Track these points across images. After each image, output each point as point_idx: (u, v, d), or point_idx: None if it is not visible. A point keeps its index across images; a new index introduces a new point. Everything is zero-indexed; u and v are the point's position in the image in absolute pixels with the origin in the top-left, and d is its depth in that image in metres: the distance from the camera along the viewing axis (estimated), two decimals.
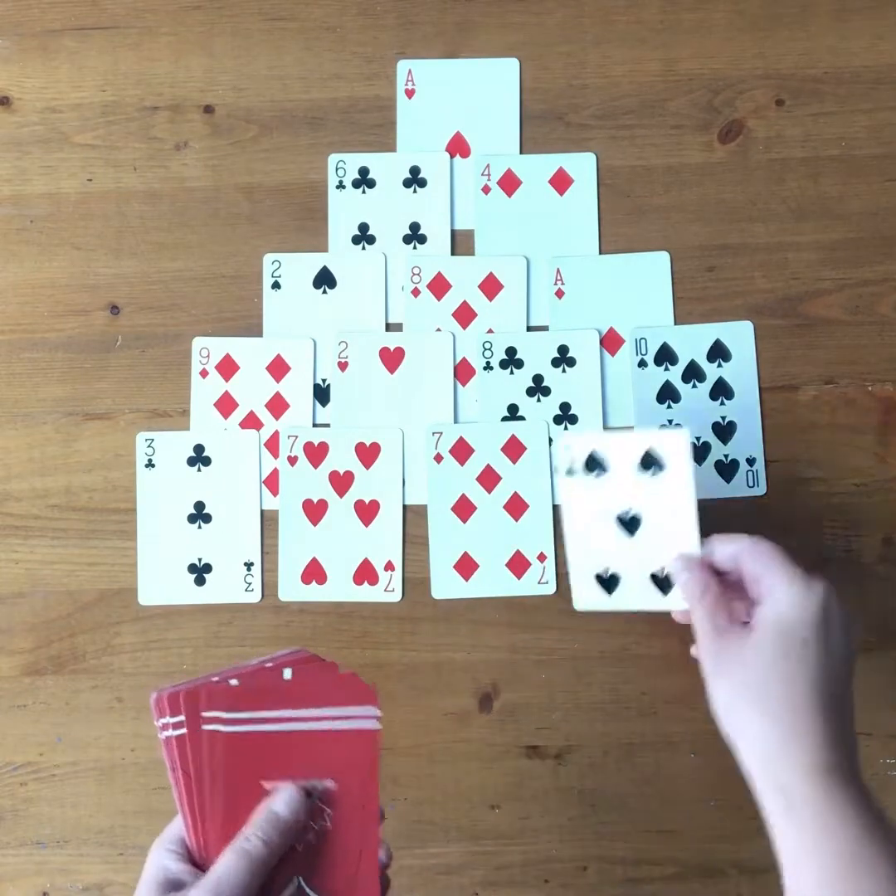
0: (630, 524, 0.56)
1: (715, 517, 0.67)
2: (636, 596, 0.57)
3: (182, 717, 0.46)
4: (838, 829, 0.44)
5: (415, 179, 0.70)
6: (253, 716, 0.46)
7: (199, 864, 0.46)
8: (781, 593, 0.48)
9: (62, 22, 0.71)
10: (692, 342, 0.68)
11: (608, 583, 0.58)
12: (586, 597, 0.57)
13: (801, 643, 0.47)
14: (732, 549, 0.52)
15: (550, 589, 0.66)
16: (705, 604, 0.51)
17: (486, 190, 0.69)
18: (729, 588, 0.52)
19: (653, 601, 0.55)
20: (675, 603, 0.55)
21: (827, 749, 0.46)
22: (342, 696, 0.47)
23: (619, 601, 0.57)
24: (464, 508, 0.67)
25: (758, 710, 0.47)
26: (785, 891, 0.45)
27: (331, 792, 0.46)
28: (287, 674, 0.47)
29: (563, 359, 0.68)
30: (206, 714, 0.46)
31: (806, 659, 0.47)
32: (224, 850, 0.44)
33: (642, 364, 0.68)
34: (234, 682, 0.46)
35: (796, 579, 0.49)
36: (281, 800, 0.45)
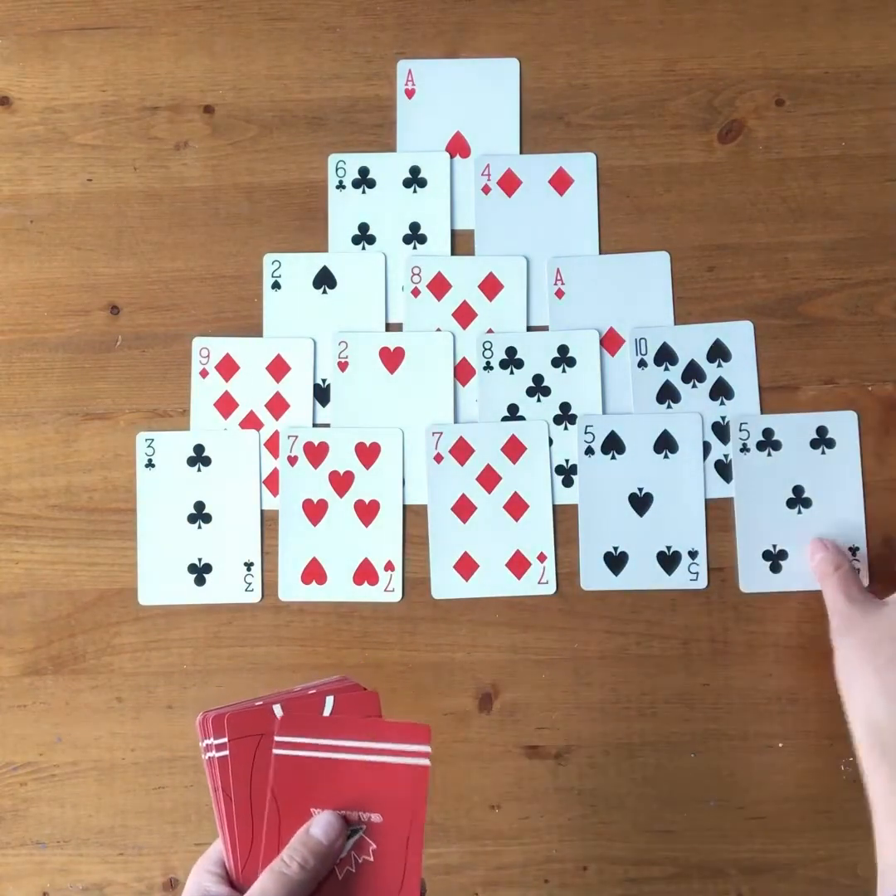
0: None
1: (714, 516, 0.67)
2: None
3: (225, 739, 0.46)
4: None
5: (415, 179, 0.70)
6: (299, 741, 0.46)
7: (238, 887, 0.46)
8: None
9: (62, 22, 0.71)
10: (692, 342, 0.68)
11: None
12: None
13: None
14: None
15: (550, 589, 0.66)
16: (840, 575, 0.58)
17: (486, 190, 0.69)
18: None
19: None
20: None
21: None
22: (395, 730, 0.47)
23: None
24: (464, 508, 0.67)
25: (868, 665, 0.50)
26: (877, 844, 0.46)
27: (377, 826, 0.46)
28: (329, 703, 0.47)
29: (563, 359, 0.68)
30: (251, 736, 0.46)
31: None
32: (262, 872, 0.44)
33: (642, 364, 0.68)
34: (278, 708, 0.47)
35: None
36: (319, 825, 0.45)
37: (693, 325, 0.68)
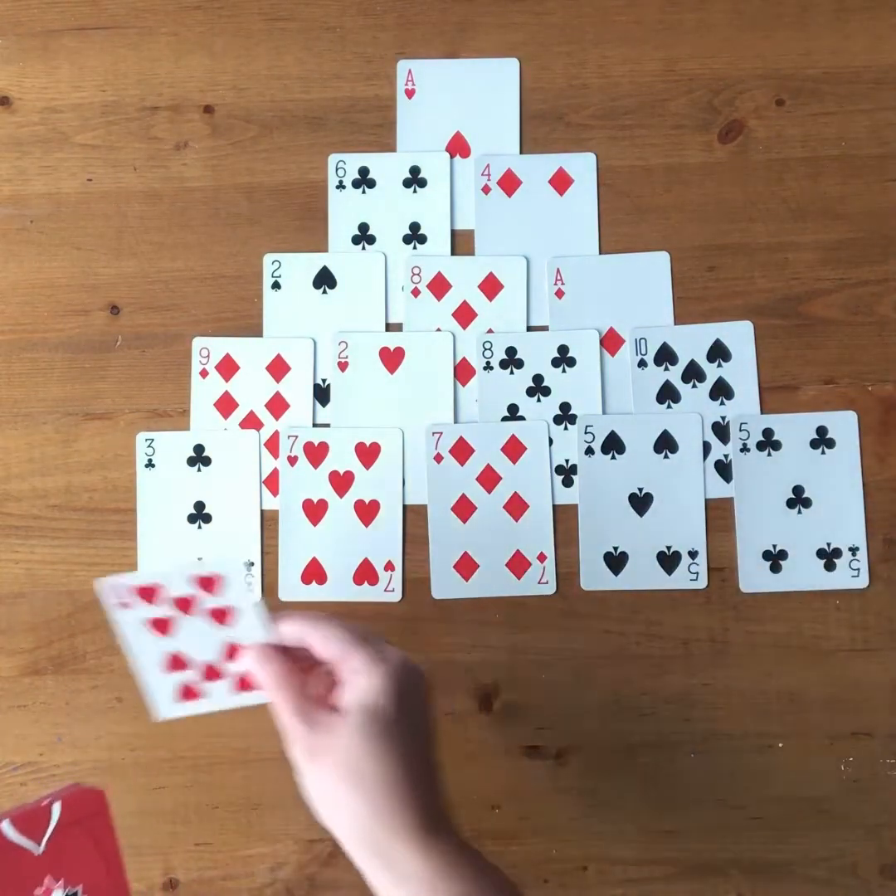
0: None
1: (714, 516, 0.67)
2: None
3: None
4: (439, 885, 0.46)
5: (415, 179, 0.70)
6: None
7: None
8: (362, 676, 0.48)
9: (62, 22, 0.71)
10: (692, 342, 0.68)
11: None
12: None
13: (387, 722, 0.48)
14: (296, 632, 0.50)
15: (550, 589, 0.66)
16: (287, 697, 0.49)
17: (486, 190, 0.69)
18: (311, 667, 0.51)
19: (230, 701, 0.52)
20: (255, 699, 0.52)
21: (424, 818, 0.48)
22: (71, 809, 0.48)
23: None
24: (464, 508, 0.67)
25: (354, 791, 0.47)
26: None
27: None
28: (57, 809, 0.49)
29: (563, 359, 0.68)
30: None
31: (392, 735, 0.48)
32: None
33: (642, 364, 0.68)
34: (6, 824, 0.48)
35: (373, 661, 0.48)
36: None
37: (693, 325, 0.68)
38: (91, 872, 0.48)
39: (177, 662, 0.50)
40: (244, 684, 0.51)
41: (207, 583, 0.49)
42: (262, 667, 0.50)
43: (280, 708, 0.49)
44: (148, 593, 0.48)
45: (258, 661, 0.50)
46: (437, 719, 0.51)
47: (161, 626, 0.49)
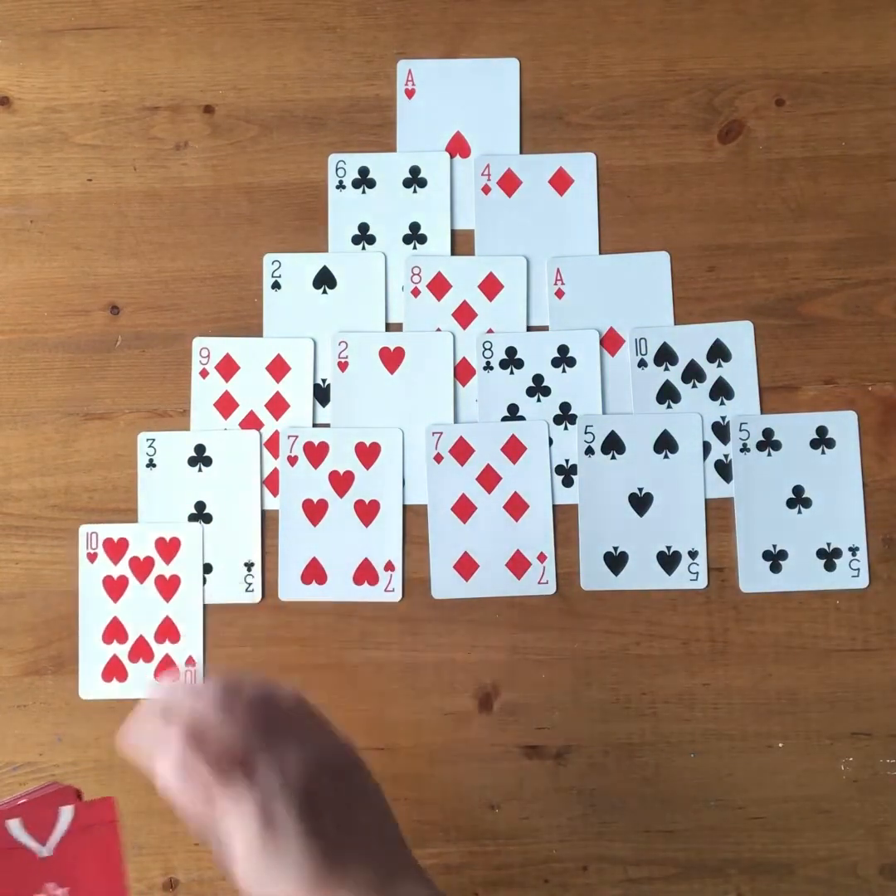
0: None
1: (713, 516, 0.67)
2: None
3: None
4: None
5: (415, 179, 0.70)
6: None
7: None
8: (230, 834, 0.43)
9: (62, 22, 0.71)
10: (692, 342, 0.68)
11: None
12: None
13: (266, 867, 0.42)
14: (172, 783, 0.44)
15: (550, 589, 0.66)
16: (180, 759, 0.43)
17: (486, 190, 0.69)
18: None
19: None
20: None
21: (376, 882, 0.43)
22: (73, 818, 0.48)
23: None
24: (464, 508, 0.67)
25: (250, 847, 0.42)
26: None
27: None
28: (66, 814, 0.48)
29: (563, 359, 0.68)
30: None
31: (281, 869, 0.42)
32: None
33: (642, 364, 0.68)
34: (14, 824, 0.47)
35: (228, 813, 0.43)
36: None
37: (693, 325, 0.68)
38: (94, 881, 0.48)
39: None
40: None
41: None
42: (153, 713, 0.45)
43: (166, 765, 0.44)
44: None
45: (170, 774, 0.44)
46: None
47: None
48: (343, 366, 0.68)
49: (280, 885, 0.42)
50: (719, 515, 0.67)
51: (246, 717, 0.45)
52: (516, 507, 0.67)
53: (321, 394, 0.68)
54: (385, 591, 0.67)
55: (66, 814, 0.48)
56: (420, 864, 0.46)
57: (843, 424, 0.67)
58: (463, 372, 0.68)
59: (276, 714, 0.46)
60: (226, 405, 0.68)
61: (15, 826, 0.47)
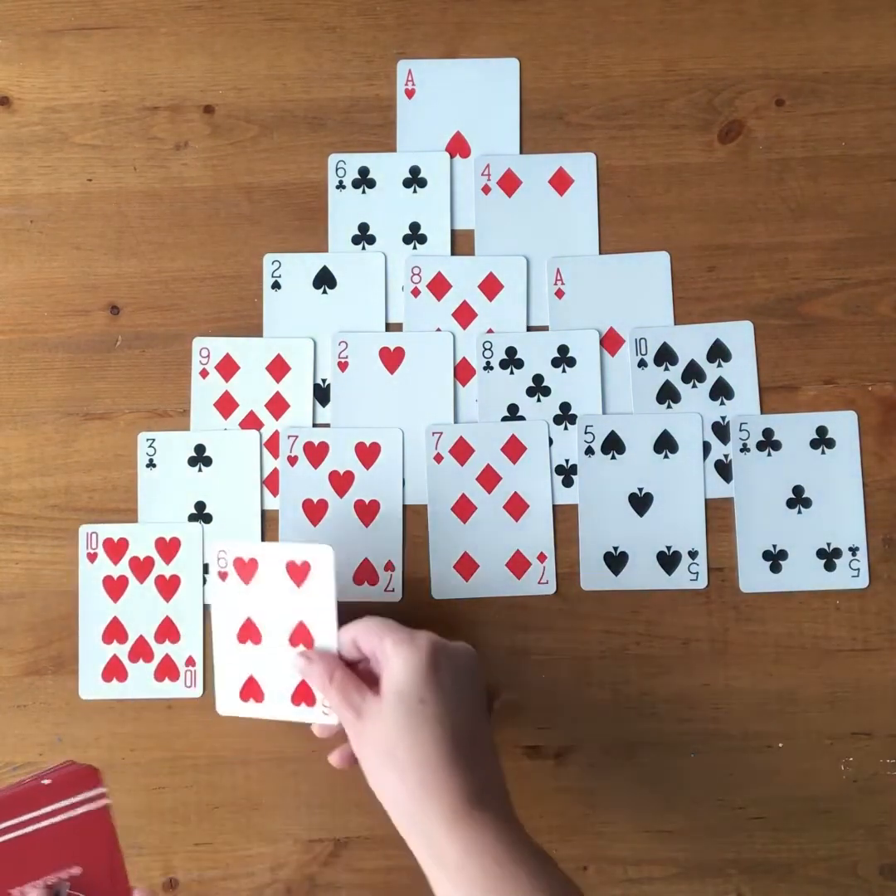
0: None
1: (713, 516, 0.67)
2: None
3: None
4: (467, 864, 0.47)
5: (415, 179, 0.70)
6: None
7: None
8: (392, 659, 0.51)
9: (62, 22, 0.71)
10: (692, 342, 0.68)
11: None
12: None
13: (418, 702, 0.50)
14: (349, 636, 0.54)
15: (550, 589, 0.66)
16: (336, 686, 0.52)
17: (486, 190, 0.69)
18: (366, 674, 0.54)
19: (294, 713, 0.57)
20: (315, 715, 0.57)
21: (459, 798, 0.49)
22: (60, 787, 0.48)
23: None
24: (464, 508, 0.67)
25: (392, 772, 0.49)
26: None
27: (78, 877, 0.48)
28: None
29: (563, 359, 0.68)
30: None
31: (425, 715, 0.49)
32: None
33: (642, 364, 0.68)
34: None
35: (402, 642, 0.51)
36: None
37: (693, 325, 0.68)
38: (92, 854, 0.48)
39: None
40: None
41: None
42: (311, 667, 0.54)
43: (332, 702, 0.52)
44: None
45: (306, 663, 0.54)
46: (488, 695, 0.53)
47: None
48: (343, 366, 0.68)
49: (425, 731, 0.49)
50: (719, 515, 0.67)
51: None
52: (516, 507, 0.67)
53: (321, 394, 0.68)
54: (385, 591, 0.67)
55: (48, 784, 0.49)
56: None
57: (843, 424, 0.67)
58: (463, 372, 0.68)
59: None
60: (226, 405, 0.68)
61: None
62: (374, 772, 0.50)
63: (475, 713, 0.52)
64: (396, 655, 0.51)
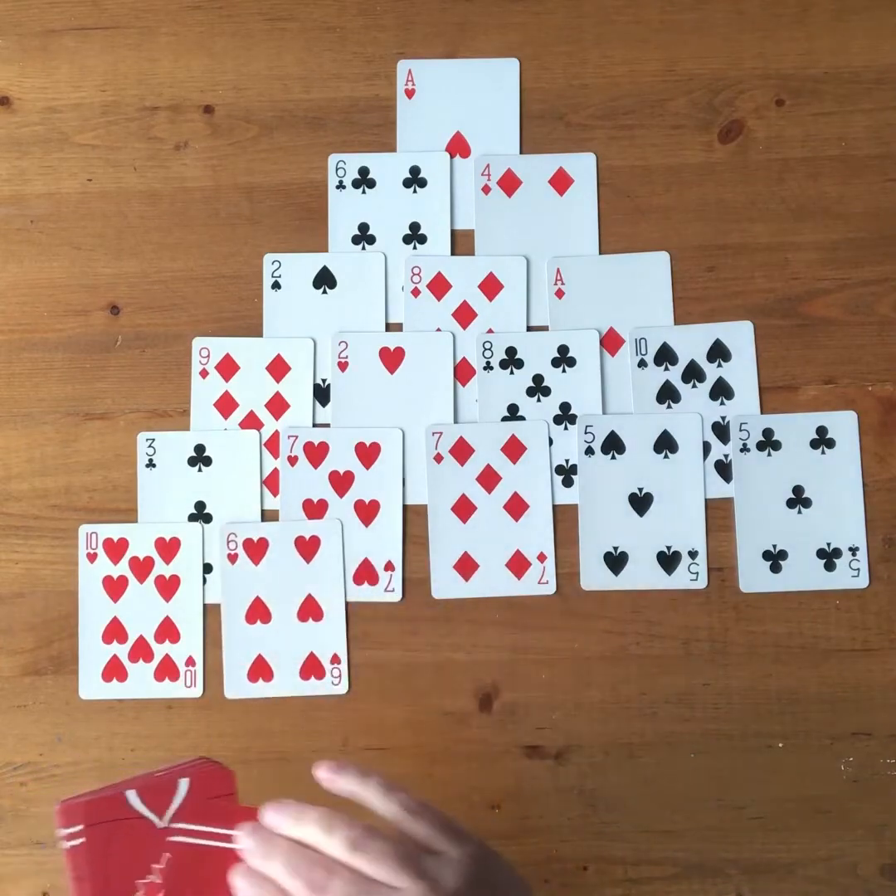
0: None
1: (713, 516, 0.67)
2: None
3: (81, 827, 0.46)
4: None
5: (415, 179, 0.70)
6: (195, 828, 0.47)
7: None
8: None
9: (62, 22, 0.71)
10: (692, 342, 0.68)
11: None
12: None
13: None
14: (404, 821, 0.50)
15: (550, 589, 0.66)
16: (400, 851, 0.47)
17: (486, 190, 0.69)
18: None
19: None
20: None
21: None
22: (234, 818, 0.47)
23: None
24: (464, 508, 0.67)
25: None
26: None
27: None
28: (183, 785, 0.47)
29: (563, 359, 0.68)
30: (106, 823, 0.46)
31: None
32: None
33: (642, 364, 0.68)
34: (132, 794, 0.47)
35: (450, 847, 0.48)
36: None
37: (693, 325, 0.68)
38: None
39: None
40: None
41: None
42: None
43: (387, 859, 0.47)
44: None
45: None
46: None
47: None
48: (343, 366, 0.68)
49: None
50: (719, 515, 0.67)
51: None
52: (516, 507, 0.67)
53: (321, 394, 0.68)
54: (385, 591, 0.67)
55: (183, 785, 0.48)
56: None
57: (843, 424, 0.67)
58: (463, 372, 0.68)
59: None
60: (226, 405, 0.68)
61: (132, 797, 0.47)
62: None
63: None
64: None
